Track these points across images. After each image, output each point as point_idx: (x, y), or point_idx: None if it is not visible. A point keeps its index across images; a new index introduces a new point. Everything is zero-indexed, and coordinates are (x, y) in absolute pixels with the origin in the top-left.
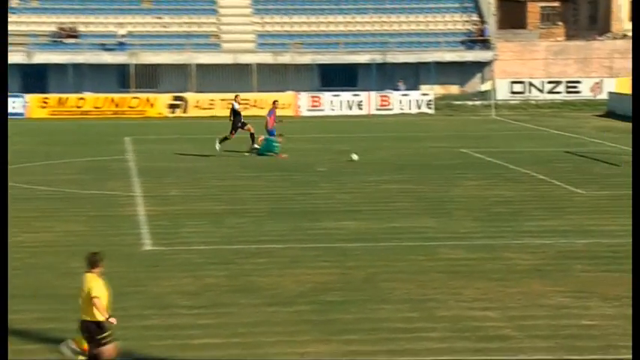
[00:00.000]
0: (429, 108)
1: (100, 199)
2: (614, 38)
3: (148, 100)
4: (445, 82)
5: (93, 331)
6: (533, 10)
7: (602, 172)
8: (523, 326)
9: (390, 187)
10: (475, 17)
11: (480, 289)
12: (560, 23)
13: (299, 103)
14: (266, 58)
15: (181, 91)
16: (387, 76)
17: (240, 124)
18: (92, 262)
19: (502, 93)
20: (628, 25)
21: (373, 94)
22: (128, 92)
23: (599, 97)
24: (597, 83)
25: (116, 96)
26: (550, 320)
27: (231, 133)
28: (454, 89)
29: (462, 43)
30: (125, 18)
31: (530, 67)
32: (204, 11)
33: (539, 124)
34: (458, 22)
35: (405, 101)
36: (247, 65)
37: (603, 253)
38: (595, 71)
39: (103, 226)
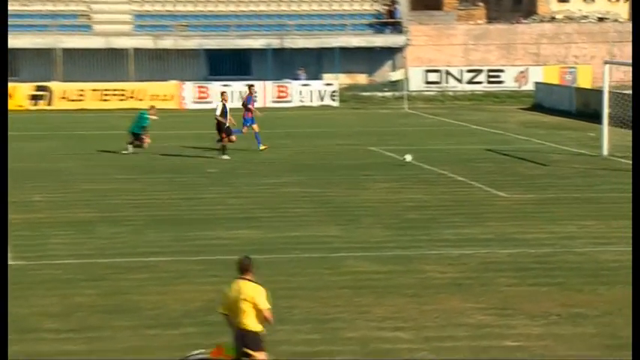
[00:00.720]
0: (333, 100)
1: None
2: (541, 21)
3: None
4: (351, 71)
5: (252, 341)
6: None
7: (527, 173)
8: (440, 348)
9: (289, 191)
10: None
11: (391, 307)
12: (480, 4)
13: (183, 94)
14: (145, 42)
15: (45, 81)
16: (285, 64)
17: (225, 127)
18: (244, 267)
19: (416, 83)
20: (556, 7)
21: (269, 84)
22: None
23: (524, 87)
24: (522, 72)
25: None
26: (470, 341)
27: (226, 137)
28: (361, 79)
29: (370, 26)
30: None
31: (447, 53)
32: None
33: (458, 119)
34: (365, 3)
35: (306, 92)
36: (123, 50)
37: (529, 264)
38: (520, 59)
39: None
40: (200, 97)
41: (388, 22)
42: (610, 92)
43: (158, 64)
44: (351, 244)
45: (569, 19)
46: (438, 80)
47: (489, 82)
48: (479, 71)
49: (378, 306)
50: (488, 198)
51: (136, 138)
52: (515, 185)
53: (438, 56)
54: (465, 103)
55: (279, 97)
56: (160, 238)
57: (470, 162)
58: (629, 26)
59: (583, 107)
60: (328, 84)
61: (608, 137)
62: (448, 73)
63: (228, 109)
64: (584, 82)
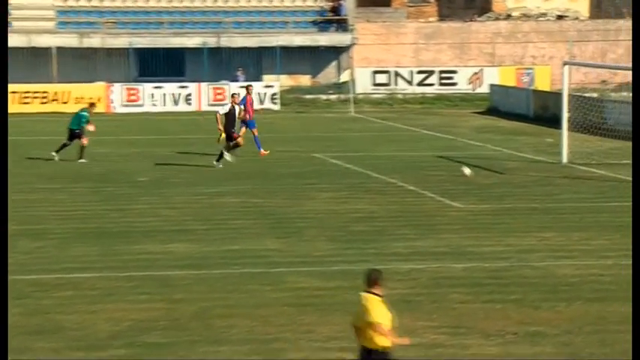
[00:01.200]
0: (274, 103)
1: None
2: (497, 19)
3: None
4: (294, 72)
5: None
6: None
7: (482, 182)
8: None
9: (226, 201)
10: None
11: (336, 326)
12: (431, 1)
13: (111, 97)
14: (69, 40)
15: None
16: (222, 64)
17: (232, 129)
18: (370, 280)
19: (363, 85)
20: (512, 4)
21: (205, 85)
22: None
23: (478, 90)
24: (476, 74)
25: None
26: None
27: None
28: (305, 80)
29: (314, 23)
30: None
31: (396, 53)
32: None
33: (408, 123)
34: None
35: None
36: (45, 49)
37: (484, 279)
38: (474, 59)
39: None
40: (129, 100)
41: (333, 20)
42: (570, 95)
43: (83, 64)
44: (293, 258)
45: (526, 16)
46: (386, 82)
47: (441, 84)
48: (430, 72)
49: (323, 325)
50: (441, 208)
51: (74, 136)
52: (469, 195)
53: (386, 56)
54: (416, 106)
55: (215, 99)
56: (87, 252)
57: (421, 170)
58: (589, 24)
59: (541, 111)
60: (269, 86)
61: (568, 143)
62: (397, 74)
63: (237, 112)
64: (543, 84)
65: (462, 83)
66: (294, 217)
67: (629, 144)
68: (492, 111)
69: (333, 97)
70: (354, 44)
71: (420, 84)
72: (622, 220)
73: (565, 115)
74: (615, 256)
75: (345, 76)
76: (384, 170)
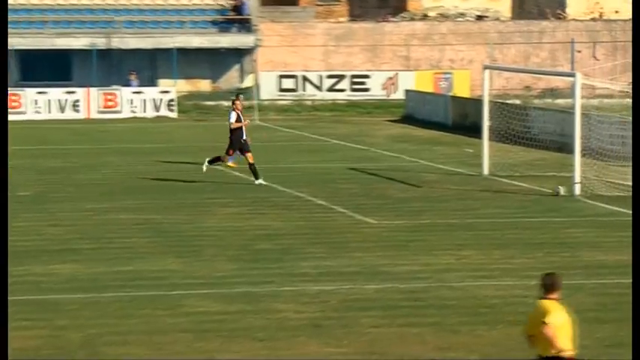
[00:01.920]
0: (171, 110)
1: None
2: (412, 19)
3: None
4: (192, 76)
5: None
6: None
7: (397, 196)
8: None
9: (118, 218)
10: None
11: (239, 353)
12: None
13: None
14: None
15: None
16: (112, 67)
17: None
18: (549, 286)
19: (268, 90)
20: (428, 3)
21: (94, 91)
22: None
23: (393, 96)
24: (391, 78)
25: None
26: None
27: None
28: (204, 85)
29: (214, 23)
30: None
31: (304, 56)
32: None
33: (317, 132)
34: None
35: (139, 101)
36: None
37: (400, 301)
38: (388, 63)
39: None
40: (10, 107)
41: (235, 20)
42: (491, 102)
43: None
44: (192, 279)
45: (444, 17)
46: (293, 87)
47: (353, 90)
48: (341, 77)
49: (225, 352)
50: (353, 225)
51: None
52: (383, 210)
53: (293, 59)
54: (326, 114)
55: (106, 106)
56: None
57: (331, 183)
58: (511, 26)
59: (460, 119)
60: (165, 91)
61: (489, 154)
62: (305, 79)
63: (243, 121)
64: (462, 89)
65: (376, 89)
66: (193, 234)
67: (555, 154)
68: (408, 119)
69: None
70: (258, 46)
71: (330, 89)
72: (545, 236)
73: (486, 124)
74: (539, 275)
75: (248, 81)
76: (291, 183)
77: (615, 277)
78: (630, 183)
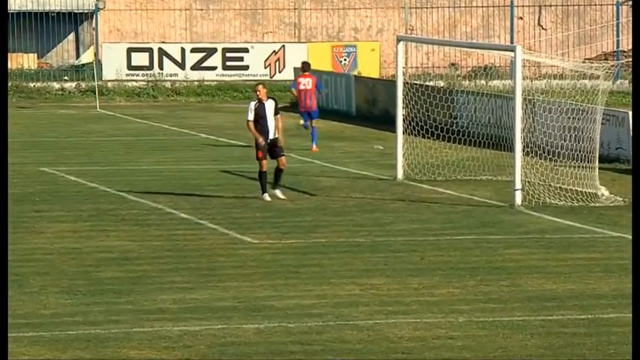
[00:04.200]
0: None
1: None
2: None
3: None
4: (11, 49)
5: None
6: None
7: (285, 207)
8: None
9: None
10: None
11: None
12: None
13: None
14: None
15: None
16: None
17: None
18: None
19: (114, 68)
20: None
21: None
22: None
23: (278, 76)
24: (276, 53)
25: None
26: None
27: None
28: (28, 61)
29: None
30: None
31: (161, 23)
32: None
33: (180, 124)
34: None
35: None
36: None
37: (288, 345)
38: (272, 32)
39: None
40: None
41: None
42: (406, 84)
43: None
44: (11, 319)
45: None
46: (147, 64)
47: (227, 68)
48: (211, 51)
49: None
50: (227, 245)
51: None
52: (266, 225)
53: (147, 27)
54: (191, 99)
55: None
56: None
57: (198, 190)
58: None
59: (367, 106)
60: None
61: (405, 152)
62: (163, 52)
63: (267, 113)
64: (369, 68)
65: (256, 66)
66: (13, 259)
67: (489, 152)
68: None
69: (69, 85)
70: (99, 9)
71: (196, 67)
72: (477, 259)
73: (400, 113)
74: (469, 310)
75: (86, 57)
76: (145, 191)
77: (567, 312)
78: (586, 190)
